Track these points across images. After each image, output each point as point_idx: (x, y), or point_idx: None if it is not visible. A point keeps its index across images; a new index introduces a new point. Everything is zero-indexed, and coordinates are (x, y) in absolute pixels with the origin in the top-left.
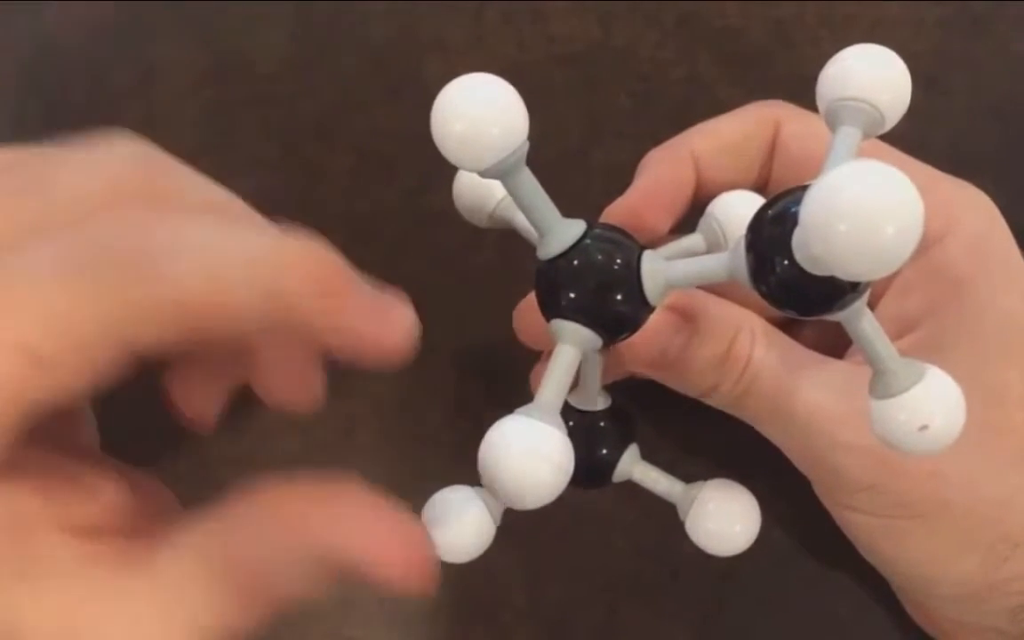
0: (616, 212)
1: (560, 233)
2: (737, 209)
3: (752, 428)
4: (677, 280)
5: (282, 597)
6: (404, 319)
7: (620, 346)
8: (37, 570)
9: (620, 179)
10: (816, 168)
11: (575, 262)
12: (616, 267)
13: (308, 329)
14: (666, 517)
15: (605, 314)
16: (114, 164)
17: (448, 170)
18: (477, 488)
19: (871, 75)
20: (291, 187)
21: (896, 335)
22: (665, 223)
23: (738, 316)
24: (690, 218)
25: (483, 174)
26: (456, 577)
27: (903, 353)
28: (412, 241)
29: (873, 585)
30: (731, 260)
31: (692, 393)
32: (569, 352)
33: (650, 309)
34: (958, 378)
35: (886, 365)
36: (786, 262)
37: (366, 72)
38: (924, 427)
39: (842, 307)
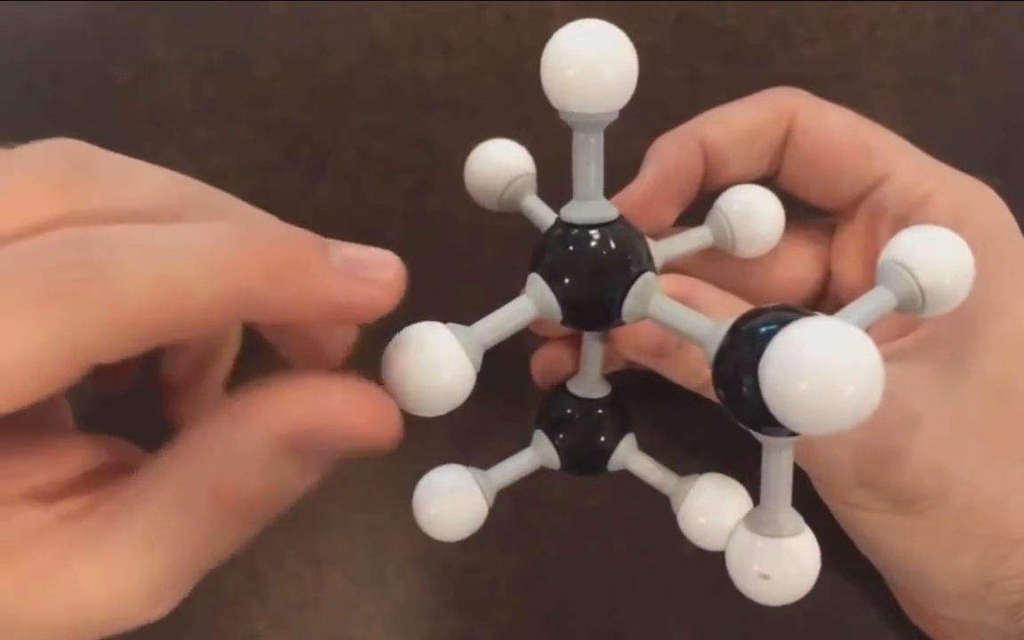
0: (623, 202)
1: (592, 207)
2: (746, 204)
3: None
4: (656, 316)
5: (255, 499)
6: (382, 272)
7: (619, 335)
8: (6, 542)
9: (620, 179)
10: (827, 164)
11: (586, 240)
12: (613, 270)
13: (277, 314)
14: (666, 516)
15: (579, 299)
16: (44, 165)
17: (448, 170)
18: (471, 468)
19: (932, 255)
20: (291, 187)
21: (898, 333)
22: (672, 214)
23: (738, 307)
24: (696, 206)
25: (578, 119)
26: (457, 577)
27: (906, 351)
28: (412, 241)
29: (872, 584)
30: (709, 339)
31: (689, 385)
32: (527, 307)
33: (620, 322)
34: (963, 373)
35: (777, 506)
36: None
37: (366, 72)
38: (765, 577)
39: (774, 435)
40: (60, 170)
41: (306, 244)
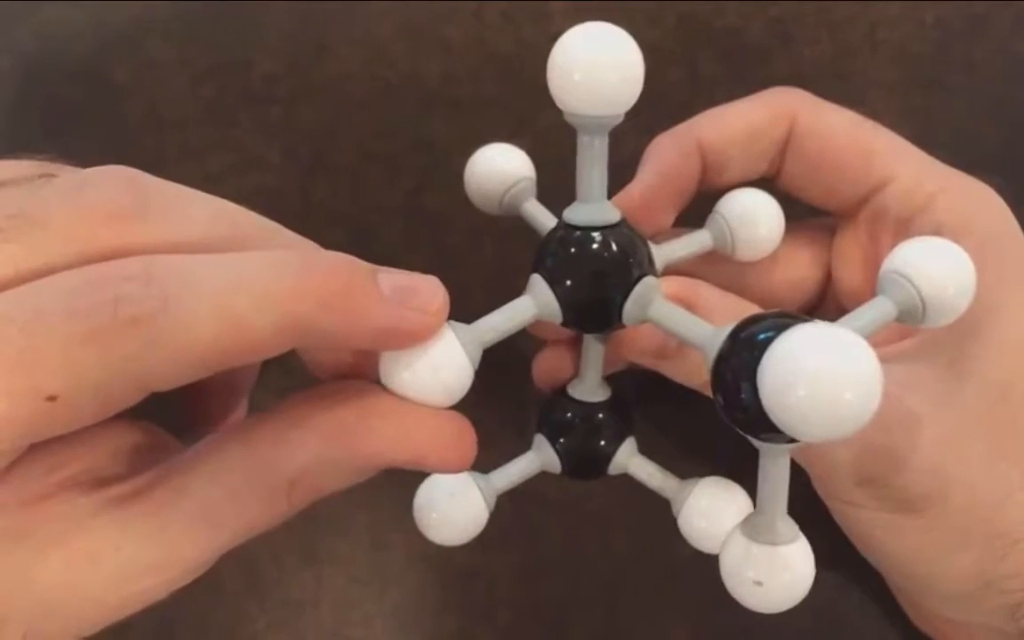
0: (621, 202)
1: (595, 209)
2: (746, 209)
3: None
4: (657, 320)
5: (327, 492)
6: (427, 299)
7: (621, 338)
8: (55, 530)
9: (620, 179)
10: (829, 166)
11: (588, 242)
12: (614, 273)
13: (327, 340)
14: (666, 517)
15: (580, 301)
16: (102, 193)
17: (448, 170)
18: (471, 472)
19: (934, 266)
20: (291, 187)
21: (900, 335)
22: (670, 216)
23: (739, 308)
24: (696, 207)
25: (583, 121)
26: (457, 577)
27: (907, 353)
28: (412, 241)
29: (872, 584)
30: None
31: (690, 383)
32: (527, 307)
33: (620, 325)
34: (964, 375)
35: (774, 513)
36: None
37: (366, 72)
38: (759, 584)
39: (772, 441)
40: (118, 199)
41: (359, 272)
